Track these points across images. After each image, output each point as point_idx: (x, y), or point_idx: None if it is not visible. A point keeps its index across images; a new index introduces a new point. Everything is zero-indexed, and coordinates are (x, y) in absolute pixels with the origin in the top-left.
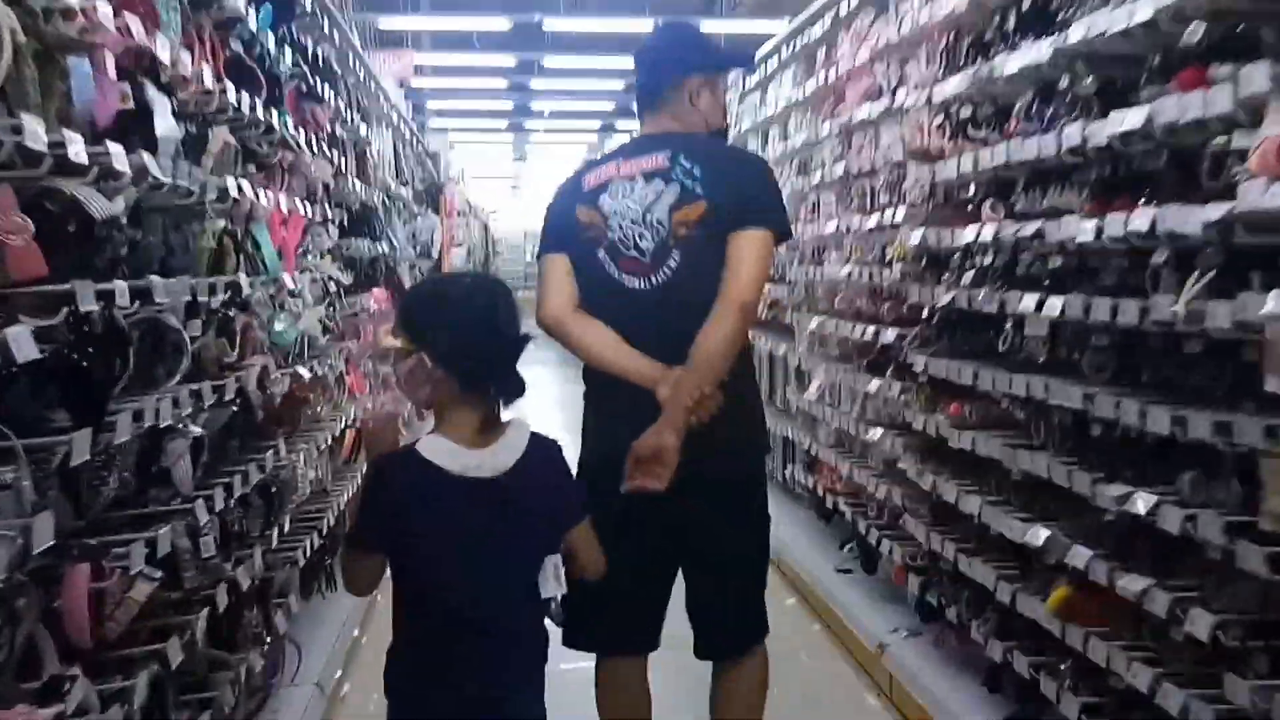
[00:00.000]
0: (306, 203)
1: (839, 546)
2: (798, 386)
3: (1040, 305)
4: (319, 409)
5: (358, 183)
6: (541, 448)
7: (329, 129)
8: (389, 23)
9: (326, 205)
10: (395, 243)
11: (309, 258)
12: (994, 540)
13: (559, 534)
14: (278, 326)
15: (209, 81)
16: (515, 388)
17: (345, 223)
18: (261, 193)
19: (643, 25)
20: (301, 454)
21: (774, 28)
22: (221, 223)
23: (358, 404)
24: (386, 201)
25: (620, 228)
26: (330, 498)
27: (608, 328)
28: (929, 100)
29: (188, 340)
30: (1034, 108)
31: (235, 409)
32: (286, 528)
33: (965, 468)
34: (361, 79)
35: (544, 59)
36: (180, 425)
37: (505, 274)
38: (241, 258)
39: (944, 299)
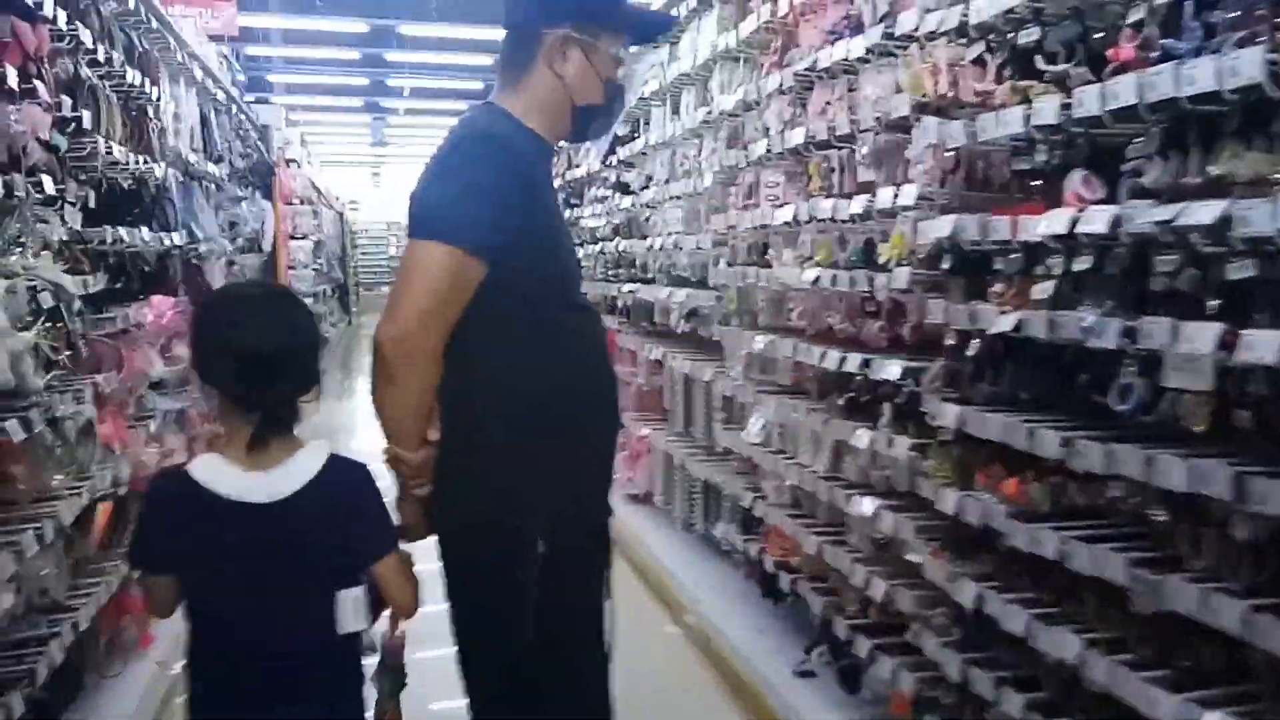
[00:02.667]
0: None
1: (804, 649)
2: (727, 421)
3: (1228, 343)
4: (43, 480)
5: (122, 149)
6: (341, 473)
7: (64, 68)
8: None
9: (51, 177)
10: (199, 233)
11: (11, 255)
12: (1086, 693)
13: (357, 567)
14: None
15: None
16: (280, 412)
17: (94, 205)
18: None
19: None
20: None
21: None
22: None
23: (118, 462)
24: (182, 179)
25: None
26: (70, 614)
27: None
28: (960, 26)
29: None
30: (1184, 18)
31: None
32: None
33: (1016, 570)
34: (143, 17)
35: (400, 27)
36: None
37: (365, 269)
38: None
39: (1003, 322)
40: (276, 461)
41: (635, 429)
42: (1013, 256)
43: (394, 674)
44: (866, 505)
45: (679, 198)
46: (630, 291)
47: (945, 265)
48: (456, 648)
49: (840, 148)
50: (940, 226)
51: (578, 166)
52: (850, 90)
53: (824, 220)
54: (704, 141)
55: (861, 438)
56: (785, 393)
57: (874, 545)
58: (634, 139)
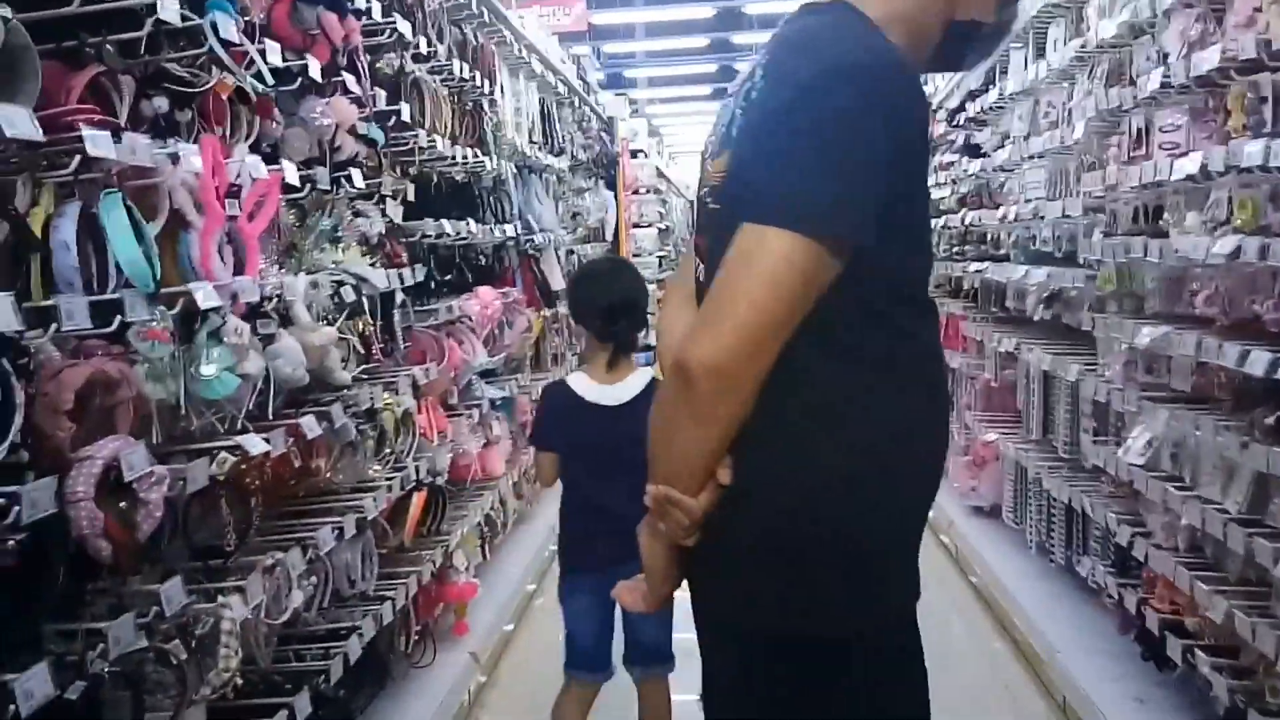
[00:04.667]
0: (300, 165)
1: None
2: (1098, 431)
3: None
4: (360, 470)
5: (445, 143)
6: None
7: (389, 63)
8: None
9: (361, 170)
10: (535, 224)
11: (322, 250)
12: None
13: None
14: (205, 370)
15: None
16: (627, 341)
17: (415, 198)
18: (133, 142)
19: None
20: (260, 577)
21: None
22: None
23: (436, 452)
24: (516, 172)
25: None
26: (376, 604)
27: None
28: None
29: None
30: None
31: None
32: None
33: None
34: (474, 10)
35: (746, 6)
36: None
37: None
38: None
39: None
40: (620, 378)
41: (980, 431)
42: None
43: None
44: None
45: (1041, 155)
46: (978, 271)
47: None
48: None
49: (1276, 69)
50: None
51: None
52: None
53: (1249, 170)
54: (1076, 83)
55: None
56: (1182, 401)
57: None
58: (986, 91)
